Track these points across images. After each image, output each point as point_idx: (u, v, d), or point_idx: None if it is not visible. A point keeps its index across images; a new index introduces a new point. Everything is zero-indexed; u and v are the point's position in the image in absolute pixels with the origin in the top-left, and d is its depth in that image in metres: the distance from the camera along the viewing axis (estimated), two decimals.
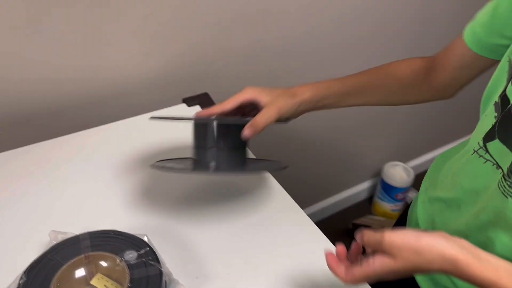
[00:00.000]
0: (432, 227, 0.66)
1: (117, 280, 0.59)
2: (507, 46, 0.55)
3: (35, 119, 0.88)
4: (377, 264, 0.46)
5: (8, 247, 0.65)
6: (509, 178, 0.51)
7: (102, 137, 0.84)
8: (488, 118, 0.55)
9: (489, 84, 0.57)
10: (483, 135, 0.56)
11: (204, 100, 0.95)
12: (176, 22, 0.92)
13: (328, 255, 0.51)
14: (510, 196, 0.50)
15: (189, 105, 0.93)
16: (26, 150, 0.80)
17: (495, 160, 0.54)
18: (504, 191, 0.51)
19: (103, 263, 0.58)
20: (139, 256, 0.59)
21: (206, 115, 0.64)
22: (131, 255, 0.58)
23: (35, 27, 0.78)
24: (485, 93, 0.58)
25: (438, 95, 0.71)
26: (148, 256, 0.59)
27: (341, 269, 0.49)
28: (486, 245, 0.54)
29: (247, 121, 0.59)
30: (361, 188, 1.75)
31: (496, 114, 0.54)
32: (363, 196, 1.79)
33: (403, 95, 0.72)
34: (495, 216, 0.53)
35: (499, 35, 0.58)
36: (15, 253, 0.64)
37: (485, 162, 0.55)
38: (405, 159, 1.75)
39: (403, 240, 0.45)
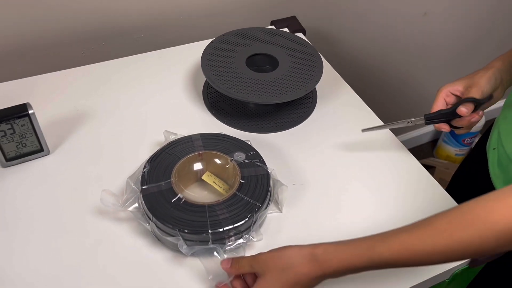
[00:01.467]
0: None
1: (226, 178, 0.65)
2: None
3: (136, 33, 0.93)
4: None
5: (130, 141, 0.72)
6: None
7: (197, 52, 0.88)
8: None
9: None
10: None
11: (292, 23, 0.95)
12: None
13: (224, 261, 0.54)
14: None
15: (278, 27, 0.94)
16: (134, 60, 0.85)
17: None
18: None
19: (217, 161, 0.64)
20: (248, 157, 0.64)
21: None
22: (240, 156, 0.63)
23: None
24: None
25: None
26: (255, 158, 0.64)
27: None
28: None
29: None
30: (426, 130, 1.73)
31: None
32: (427, 139, 1.78)
33: None
34: None
35: None
36: (136, 147, 0.71)
37: None
38: None
39: (268, 252, 0.51)
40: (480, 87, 0.64)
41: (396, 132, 0.77)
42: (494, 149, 0.73)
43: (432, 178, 0.70)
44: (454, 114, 0.65)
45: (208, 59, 0.77)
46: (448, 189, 0.69)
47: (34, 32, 0.85)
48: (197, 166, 0.64)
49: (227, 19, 0.99)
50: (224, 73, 0.75)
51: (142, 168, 0.62)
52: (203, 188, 0.66)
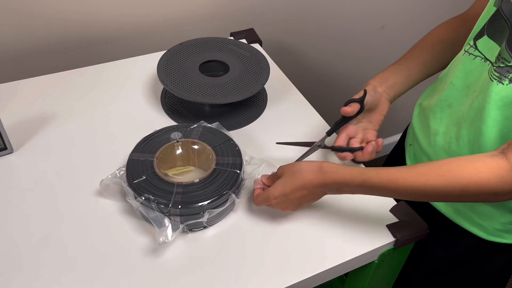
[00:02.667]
0: (427, 131, 0.74)
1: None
2: None
3: (103, 44, 1.00)
4: (272, 186, 0.64)
5: (92, 142, 0.78)
6: (496, 63, 0.59)
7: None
8: (480, 20, 0.64)
9: None
10: (473, 36, 0.64)
11: (249, 34, 1.03)
12: None
13: (255, 181, 0.69)
14: (494, 79, 0.59)
15: (236, 38, 1.02)
16: (99, 69, 0.92)
17: (483, 55, 0.62)
18: (491, 76, 0.60)
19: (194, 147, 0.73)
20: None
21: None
22: (177, 135, 0.72)
23: None
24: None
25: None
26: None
27: (257, 190, 0.67)
28: (479, 134, 0.63)
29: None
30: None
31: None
32: None
33: (452, 55, 0.75)
34: (484, 102, 0.61)
35: None
36: (97, 147, 0.77)
37: (475, 58, 0.64)
38: None
39: (286, 164, 0.65)
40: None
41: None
42: (410, 145, 0.80)
43: None
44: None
45: (164, 66, 0.84)
46: None
47: (5, 43, 0.92)
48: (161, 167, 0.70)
49: (190, 31, 1.06)
50: (178, 78, 0.82)
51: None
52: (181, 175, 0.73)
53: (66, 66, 0.97)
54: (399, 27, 1.38)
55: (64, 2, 0.92)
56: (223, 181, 0.67)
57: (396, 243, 0.66)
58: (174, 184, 0.66)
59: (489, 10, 0.63)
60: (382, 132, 0.76)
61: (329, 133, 0.75)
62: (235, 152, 0.72)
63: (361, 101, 0.72)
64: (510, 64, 0.58)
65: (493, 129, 0.61)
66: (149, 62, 0.94)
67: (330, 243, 0.65)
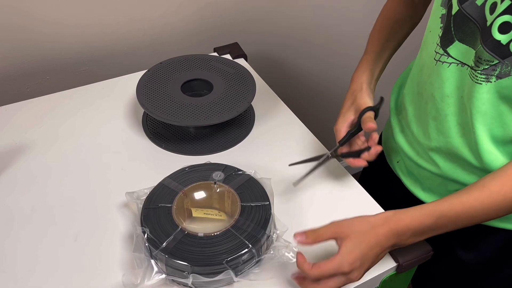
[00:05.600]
0: (417, 147, 0.72)
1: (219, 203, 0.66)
2: None
3: (80, 66, 0.95)
4: (342, 251, 0.52)
5: (66, 172, 0.73)
6: (479, 67, 0.57)
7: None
8: (433, 31, 0.63)
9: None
10: (436, 45, 0.62)
11: (234, 49, 0.99)
12: None
13: (298, 254, 0.55)
14: (482, 81, 0.57)
15: (220, 53, 0.98)
16: (76, 92, 0.87)
17: (458, 60, 0.60)
18: (475, 80, 0.58)
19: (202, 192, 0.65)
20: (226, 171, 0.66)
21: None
22: (219, 175, 0.65)
23: None
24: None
25: (416, 18, 0.78)
26: (232, 170, 0.67)
27: (307, 265, 0.53)
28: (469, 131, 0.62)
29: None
30: None
31: (441, 25, 0.61)
32: None
33: (407, 29, 0.77)
34: (471, 105, 0.60)
35: None
36: (73, 177, 0.72)
37: (449, 65, 0.61)
38: None
39: (348, 219, 0.55)
40: (367, 104, 0.69)
41: None
42: (398, 162, 0.79)
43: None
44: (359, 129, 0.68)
45: (143, 87, 0.79)
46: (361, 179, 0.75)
47: None
48: (187, 203, 0.64)
49: (172, 49, 1.02)
50: (159, 99, 0.77)
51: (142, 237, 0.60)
52: (202, 221, 0.65)
53: (42, 90, 0.92)
54: None
55: (38, 24, 0.87)
56: (228, 248, 0.56)
57: (398, 268, 0.62)
58: (178, 227, 0.58)
59: (437, 10, 0.62)
60: None
61: (342, 143, 0.69)
62: (263, 222, 0.59)
63: (377, 109, 0.68)
64: (494, 63, 0.56)
65: (484, 127, 0.60)
66: (129, 83, 0.89)
67: None
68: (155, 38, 1.00)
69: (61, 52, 0.92)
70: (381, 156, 0.85)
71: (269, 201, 0.63)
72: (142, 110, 0.84)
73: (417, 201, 0.73)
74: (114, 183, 0.71)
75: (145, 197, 0.63)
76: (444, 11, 0.61)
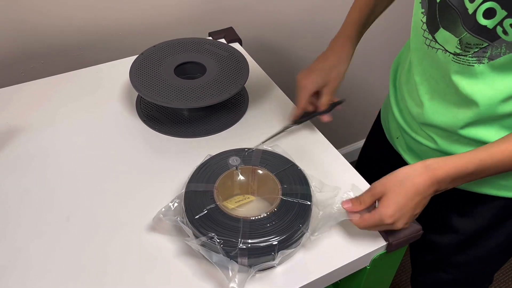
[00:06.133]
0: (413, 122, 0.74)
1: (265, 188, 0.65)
2: None
3: (75, 50, 0.95)
4: (381, 205, 0.56)
5: (61, 154, 0.74)
6: (469, 51, 0.59)
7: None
8: (416, 15, 0.65)
9: None
10: (424, 30, 0.64)
11: (228, 33, 0.99)
12: None
13: (344, 203, 0.60)
14: (474, 63, 0.59)
15: (215, 38, 0.98)
16: (71, 76, 0.88)
17: (443, 47, 0.62)
18: (467, 63, 0.60)
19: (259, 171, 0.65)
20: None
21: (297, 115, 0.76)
22: (236, 160, 0.66)
23: None
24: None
25: None
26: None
27: (356, 215, 0.59)
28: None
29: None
30: None
31: (423, 10, 0.63)
32: None
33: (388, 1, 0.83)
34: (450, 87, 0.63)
35: None
36: (68, 160, 0.73)
37: (436, 51, 0.64)
38: None
39: (382, 178, 0.58)
40: (335, 86, 0.74)
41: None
42: (397, 138, 0.81)
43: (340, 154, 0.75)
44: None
45: (137, 70, 0.80)
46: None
47: None
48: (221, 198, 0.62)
49: (166, 34, 1.02)
50: (153, 82, 0.77)
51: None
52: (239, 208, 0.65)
53: (36, 75, 0.92)
54: (382, 22, 1.34)
55: (32, 9, 0.87)
56: (294, 215, 0.58)
57: (388, 247, 0.62)
58: (239, 220, 0.57)
59: None
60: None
61: (299, 122, 0.77)
62: (302, 179, 0.62)
63: (334, 105, 0.77)
64: (484, 46, 0.57)
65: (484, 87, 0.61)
66: (123, 67, 0.89)
67: (318, 251, 0.61)
68: (150, 23, 1.00)
69: (55, 37, 0.92)
70: (381, 133, 0.86)
71: (292, 162, 0.64)
72: (136, 93, 0.84)
73: None
74: (107, 165, 0.72)
75: (170, 211, 0.61)
76: None
